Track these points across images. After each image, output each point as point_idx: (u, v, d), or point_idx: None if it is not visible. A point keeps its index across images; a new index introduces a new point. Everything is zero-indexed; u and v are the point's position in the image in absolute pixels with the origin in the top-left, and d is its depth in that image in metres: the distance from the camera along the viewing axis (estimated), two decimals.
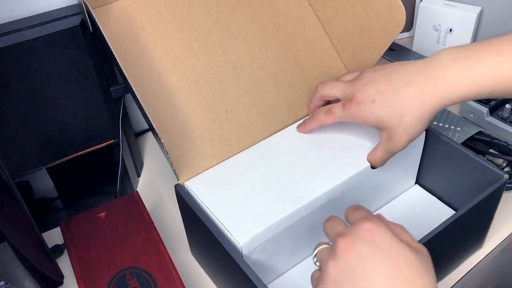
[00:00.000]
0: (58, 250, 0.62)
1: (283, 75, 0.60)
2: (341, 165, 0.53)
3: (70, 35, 0.54)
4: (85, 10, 0.53)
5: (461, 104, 0.77)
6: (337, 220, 0.40)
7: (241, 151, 0.56)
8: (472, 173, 0.55)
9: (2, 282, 0.49)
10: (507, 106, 0.74)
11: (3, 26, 0.55)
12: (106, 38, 0.49)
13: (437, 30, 0.87)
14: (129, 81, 0.49)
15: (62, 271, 0.56)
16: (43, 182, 0.62)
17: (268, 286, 0.47)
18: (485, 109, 0.74)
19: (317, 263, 0.39)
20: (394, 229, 0.38)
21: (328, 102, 0.56)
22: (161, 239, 0.54)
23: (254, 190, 0.51)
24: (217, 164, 0.55)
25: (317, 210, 0.51)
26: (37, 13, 0.58)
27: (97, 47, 0.58)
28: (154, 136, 0.54)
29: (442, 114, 0.76)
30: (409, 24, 0.96)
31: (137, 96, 0.49)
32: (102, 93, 0.59)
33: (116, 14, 0.55)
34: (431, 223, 0.50)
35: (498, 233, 0.61)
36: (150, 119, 0.49)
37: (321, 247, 0.39)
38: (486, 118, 0.75)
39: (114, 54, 0.49)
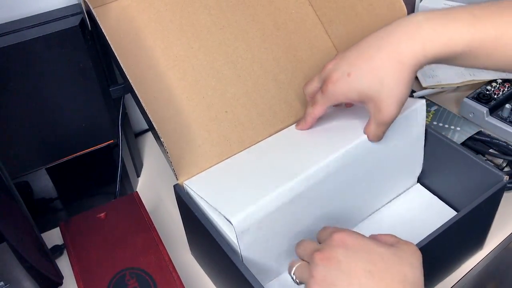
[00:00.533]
0: (57, 250, 0.62)
1: (283, 75, 0.60)
2: (336, 143, 0.53)
3: (69, 35, 0.54)
4: (84, 10, 0.52)
5: (461, 104, 0.77)
6: (307, 242, 0.43)
7: (241, 151, 0.56)
8: (471, 173, 0.55)
9: (2, 283, 0.49)
10: (507, 106, 0.74)
11: (3, 26, 0.55)
12: (107, 37, 0.49)
13: None
14: (130, 81, 0.49)
15: (62, 272, 0.56)
16: (43, 182, 0.62)
17: (265, 287, 0.47)
18: (485, 109, 0.74)
19: (297, 280, 0.41)
20: (373, 236, 0.42)
21: None
22: (161, 239, 0.54)
23: (253, 188, 0.51)
24: (216, 164, 0.55)
25: (313, 186, 0.50)
26: (36, 13, 0.58)
27: (96, 47, 0.58)
28: (154, 136, 0.54)
29: (442, 114, 0.76)
30: None
31: (138, 96, 0.49)
32: (101, 93, 0.59)
33: (117, 13, 0.55)
34: (431, 223, 0.50)
35: (498, 233, 0.61)
36: (150, 119, 0.49)
37: (297, 264, 0.42)
38: (486, 118, 0.75)
39: (115, 53, 0.49)
